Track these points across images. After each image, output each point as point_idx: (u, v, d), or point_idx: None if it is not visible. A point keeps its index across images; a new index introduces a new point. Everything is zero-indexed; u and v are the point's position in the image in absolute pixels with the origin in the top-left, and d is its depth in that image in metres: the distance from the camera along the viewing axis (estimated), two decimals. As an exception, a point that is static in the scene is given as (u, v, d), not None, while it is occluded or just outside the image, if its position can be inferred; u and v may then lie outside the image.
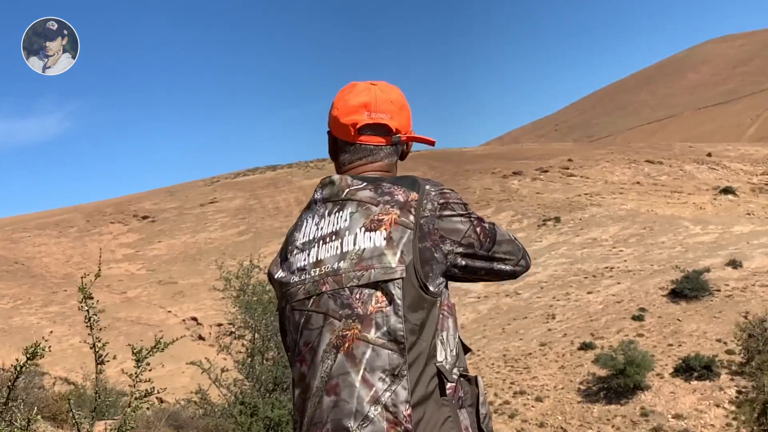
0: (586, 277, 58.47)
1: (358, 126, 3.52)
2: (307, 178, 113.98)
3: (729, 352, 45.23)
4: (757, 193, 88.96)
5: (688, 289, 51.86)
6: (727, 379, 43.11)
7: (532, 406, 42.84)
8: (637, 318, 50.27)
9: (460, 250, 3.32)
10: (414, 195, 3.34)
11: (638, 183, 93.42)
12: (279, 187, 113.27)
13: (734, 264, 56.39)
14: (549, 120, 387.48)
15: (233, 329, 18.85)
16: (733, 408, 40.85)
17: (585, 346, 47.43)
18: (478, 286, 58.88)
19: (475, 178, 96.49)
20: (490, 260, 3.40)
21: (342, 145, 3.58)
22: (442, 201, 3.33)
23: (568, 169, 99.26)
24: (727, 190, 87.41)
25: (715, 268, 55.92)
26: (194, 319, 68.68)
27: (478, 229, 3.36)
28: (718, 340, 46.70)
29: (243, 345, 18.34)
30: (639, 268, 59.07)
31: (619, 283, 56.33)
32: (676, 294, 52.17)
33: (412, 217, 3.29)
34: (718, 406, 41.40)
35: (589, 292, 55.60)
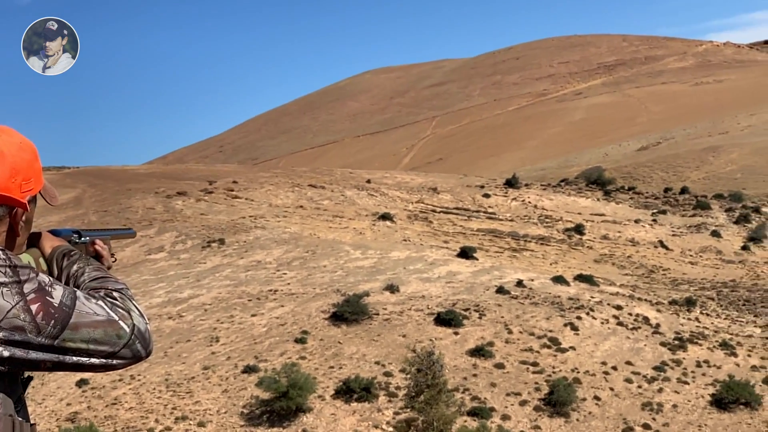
0: (250, 300, 58.43)
1: None
2: None
3: (387, 374, 46.83)
4: (413, 220, 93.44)
5: (349, 312, 53.22)
6: (385, 401, 44.55)
7: (194, 432, 42.00)
8: (300, 341, 50.85)
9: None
10: None
11: (302, 207, 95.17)
12: None
13: (392, 288, 58.64)
14: (214, 141, 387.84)
15: None
16: (390, 429, 42.23)
17: (249, 369, 47.25)
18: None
19: (137, 197, 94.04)
20: (60, 351, 2.53)
21: None
22: None
23: (233, 191, 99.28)
24: (385, 216, 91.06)
25: (374, 292, 57.85)
26: None
27: (34, 307, 2.49)
28: (377, 363, 48.24)
29: None
30: (302, 291, 59.91)
31: (282, 306, 56.79)
32: (338, 317, 53.36)
33: None
34: (376, 427, 42.62)
35: (253, 315, 55.57)
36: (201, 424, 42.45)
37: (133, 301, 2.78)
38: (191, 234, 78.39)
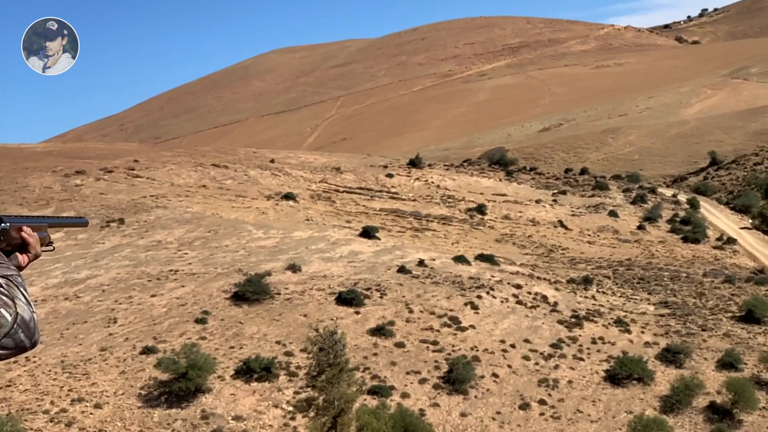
0: (150, 280, 57.70)
1: None
2: None
3: (288, 354, 46.82)
4: (316, 200, 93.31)
5: (251, 292, 53.01)
6: (285, 381, 44.55)
7: (91, 413, 41.37)
8: (201, 321, 50.45)
9: None
10: None
11: (204, 186, 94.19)
12: None
13: (294, 268, 58.55)
14: (114, 119, 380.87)
15: None
16: (290, 408, 42.25)
17: (147, 351, 46.70)
18: (32, 288, 55.95)
19: (34, 176, 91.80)
20: None
21: None
22: None
23: (133, 170, 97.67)
24: (288, 196, 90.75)
25: (276, 271, 57.69)
26: None
27: None
28: (278, 342, 48.17)
29: None
30: (203, 271, 59.39)
31: (183, 286, 56.22)
32: (239, 297, 53.09)
33: None
34: (276, 406, 42.62)
35: (153, 295, 54.90)
36: (97, 406, 41.84)
37: (21, 288, 2.68)
38: (89, 214, 76.85)
